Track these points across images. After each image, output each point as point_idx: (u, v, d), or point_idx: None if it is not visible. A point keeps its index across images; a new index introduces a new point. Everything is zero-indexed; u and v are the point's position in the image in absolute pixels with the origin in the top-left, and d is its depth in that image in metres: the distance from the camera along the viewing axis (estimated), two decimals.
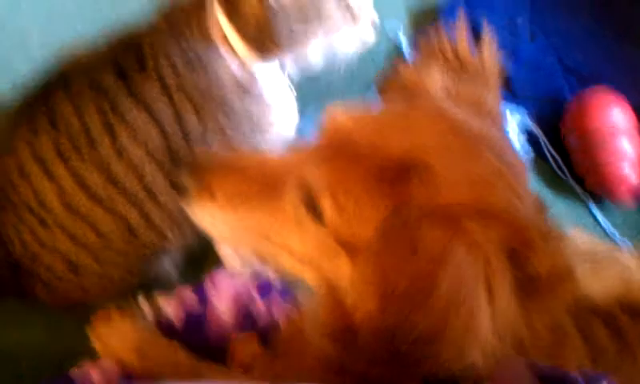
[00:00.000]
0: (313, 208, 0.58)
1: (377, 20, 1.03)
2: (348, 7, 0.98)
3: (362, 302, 0.55)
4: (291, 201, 0.59)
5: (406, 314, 0.51)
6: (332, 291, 0.60)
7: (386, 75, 0.72)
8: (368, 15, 1.00)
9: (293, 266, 0.63)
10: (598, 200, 1.34)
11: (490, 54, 0.70)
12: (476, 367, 0.51)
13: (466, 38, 0.70)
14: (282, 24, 0.94)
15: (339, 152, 0.58)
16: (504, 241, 0.52)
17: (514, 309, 0.52)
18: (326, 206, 0.57)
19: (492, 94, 0.67)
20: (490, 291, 0.50)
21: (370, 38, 1.03)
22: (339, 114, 0.62)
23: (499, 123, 0.66)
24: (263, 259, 0.66)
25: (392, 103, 0.68)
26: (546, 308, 0.56)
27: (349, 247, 0.57)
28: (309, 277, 0.62)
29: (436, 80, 0.66)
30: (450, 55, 0.69)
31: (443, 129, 0.58)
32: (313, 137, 0.63)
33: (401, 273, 0.52)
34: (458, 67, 0.68)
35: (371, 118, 0.62)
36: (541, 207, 0.61)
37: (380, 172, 0.55)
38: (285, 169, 0.61)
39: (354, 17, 0.98)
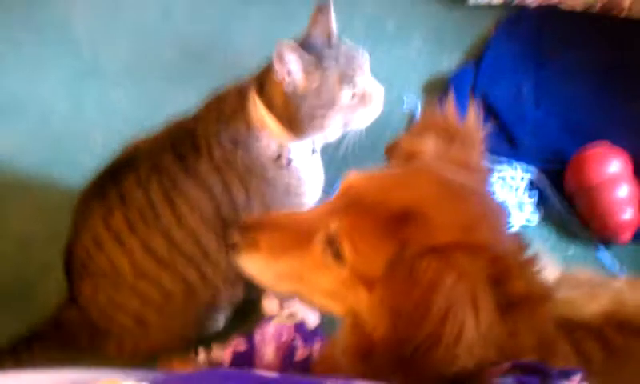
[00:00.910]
0: (336, 252, 0.72)
1: (382, 99, 1.18)
2: (358, 91, 1.13)
3: (377, 323, 0.68)
4: (319, 248, 0.73)
5: (410, 329, 0.64)
6: (355, 318, 0.73)
7: (392, 144, 0.88)
8: (377, 96, 1.16)
9: (323, 300, 0.77)
10: (604, 241, 1.43)
11: (475, 122, 0.84)
12: (466, 369, 0.64)
13: (454, 110, 0.85)
14: (302, 108, 1.10)
15: (354, 207, 0.73)
16: (487, 269, 0.65)
17: (496, 323, 0.64)
18: (346, 249, 0.71)
19: (477, 154, 0.81)
20: (475, 309, 0.63)
21: (377, 113, 1.18)
22: (353, 176, 0.77)
23: (483, 177, 0.79)
24: (299, 296, 0.80)
25: (395, 166, 0.83)
26: (527, 322, 0.68)
27: (366, 281, 0.71)
28: (335, 308, 0.76)
29: (430, 146, 0.80)
30: (441, 126, 0.84)
31: (435, 184, 0.73)
32: (334, 196, 0.78)
33: (405, 298, 0.65)
34: (449, 134, 0.83)
35: (378, 178, 0.76)
36: (520, 242, 0.75)
37: (386, 220, 0.70)
38: (312, 223, 0.75)
39: (364, 98, 1.14)
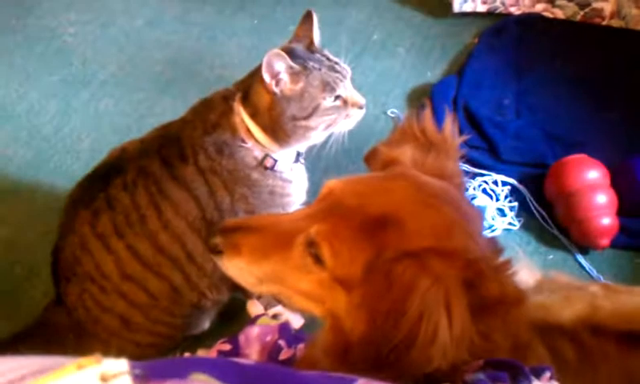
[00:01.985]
0: (315, 256, 0.73)
1: (364, 103, 1.20)
2: (340, 99, 1.17)
3: (355, 324, 0.70)
4: (299, 251, 0.75)
5: (387, 331, 0.66)
6: (334, 320, 0.75)
7: (370, 151, 0.90)
8: (358, 103, 1.19)
9: (303, 302, 0.79)
10: (582, 247, 1.46)
11: (451, 131, 0.87)
12: (440, 369, 0.66)
13: (432, 119, 0.87)
14: (286, 115, 1.13)
15: (333, 211, 0.74)
16: (460, 273, 0.67)
17: (469, 324, 0.66)
18: (325, 253, 0.72)
19: (452, 162, 0.83)
20: (448, 312, 0.64)
21: (357, 119, 1.21)
22: (333, 182, 0.79)
23: (458, 184, 0.81)
24: (281, 299, 0.82)
25: (373, 172, 0.86)
26: (500, 324, 0.70)
27: (344, 283, 0.72)
28: (315, 309, 0.78)
29: (407, 153, 0.82)
30: (419, 134, 0.86)
31: (411, 190, 0.75)
32: (314, 200, 0.80)
33: (382, 300, 0.67)
34: (426, 143, 0.85)
35: (357, 184, 0.78)
36: (495, 246, 0.77)
37: (364, 225, 0.71)
38: (293, 227, 0.76)
39: (345, 106, 1.17)
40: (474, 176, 1.51)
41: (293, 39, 1.21)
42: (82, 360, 0.46)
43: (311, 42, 1.19)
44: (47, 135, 1.76)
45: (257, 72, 1.15)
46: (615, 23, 1.88)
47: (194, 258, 1.16)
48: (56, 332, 1.21)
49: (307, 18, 1.21)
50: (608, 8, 1.87)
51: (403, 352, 0.65)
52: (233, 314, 1.33)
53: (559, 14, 1.93)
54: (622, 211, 1.45)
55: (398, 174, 0.79)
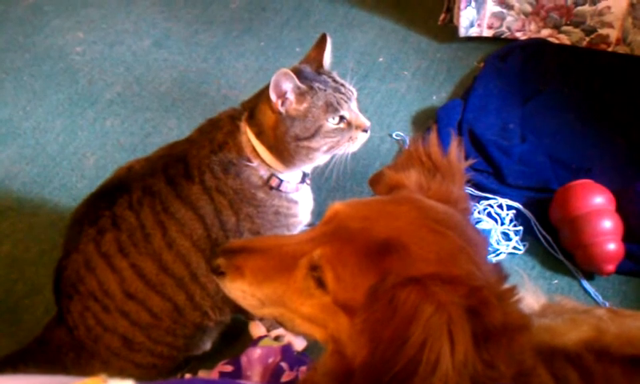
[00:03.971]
0: (318, 279, 0.73)
1: (369, 126, 1.20)
2: (343, 121, 1.17)
3: (357, 350, 0.69)
4: (302, 274, 0.75)
5: (388, 357, 0.66)
6: (336, 344, 0.75)
7: (375, 175, 0.89)
8: (362, 126, 1.19)
9: (305, 326, 0.78)
10: (588, 272, 1.45)
11: (457, 156, 0.86)
12: None
13: (437, 144, 0.87)
14: (289, 132, 1.13)
15: (337, 234, 0.74)
16: (463, 301, 0.66)
17: (472, 352, 0.65)
18: (328, 277, 0.72)
19: (458, 187, 0.83)
20: (451, 339, 0.64)
21: (362, 142, 1.21)
22: (338, 205, 0.79)
23: (463, 209, 0.81)
24: (282, 322, 0.82)
25: (378, 195, 0.85)
26: (504, 351, 0.68)
27: (346, 308, 0.72)
28: (317, 334, 0.78)
29: (412, 177, 0.82)
30: (424, 159, 0.86)
31: (416, 215, 0.75)
32: (318, 223, 0.80)
33: (384, 326, 0.67)
34: (432, 167, 0.85)
35: (361, 207, 0.77)
36: (500, 273, 0.76)
37: (368, 249, 0.71)
38: (296, 250, 0.76)
39: (349, 128, 1.17)
40: (479, 200, 1.51)
41: (304, 60, 1.22)
42: (88, 380, 0.46)
43: (320, 64, 1.20)
44: (52, 153, 1.77)
45: (264, 91, 1.15)
46: (621, 49, 1.89)
47: (198, 277, 1.15)
48: (56, 350, 1.20)
49: (321, 40, 1.22)
50: (614, 34, 1.87)
51: (405, 379, 0.64)
52: (235, 334, 1.33)
53: (565, 40, 1.94)
54: (628, 237, 1.44)
55: (403, 198, 0.79)
